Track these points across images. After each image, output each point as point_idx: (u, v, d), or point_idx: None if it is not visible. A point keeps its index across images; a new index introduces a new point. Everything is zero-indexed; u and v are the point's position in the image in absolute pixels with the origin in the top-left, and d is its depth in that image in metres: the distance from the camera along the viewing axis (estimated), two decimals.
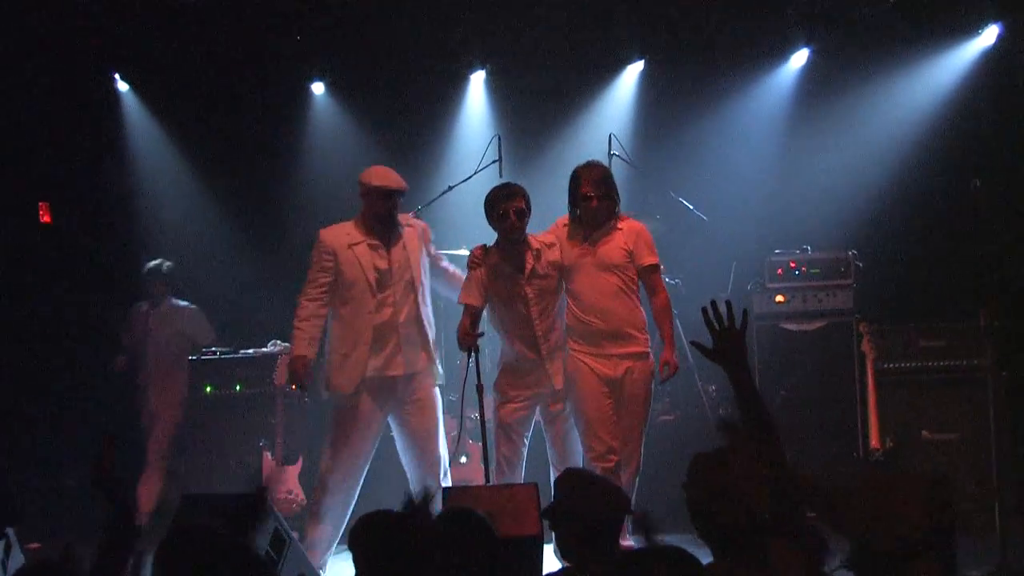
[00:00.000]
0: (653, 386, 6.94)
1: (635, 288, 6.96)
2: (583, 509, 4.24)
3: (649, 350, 6.87)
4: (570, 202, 7.01)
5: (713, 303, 4.04)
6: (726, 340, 4.04)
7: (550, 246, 6.99)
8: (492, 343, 7.80)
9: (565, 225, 7.06)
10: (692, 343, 4.45)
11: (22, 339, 9.66)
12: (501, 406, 7.06)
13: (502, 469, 6.93)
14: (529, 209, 6.92)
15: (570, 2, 9.36)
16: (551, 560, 5.98)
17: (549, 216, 7.27)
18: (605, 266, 6.88)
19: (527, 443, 7.10)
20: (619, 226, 6.96)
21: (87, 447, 8.63)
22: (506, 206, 6.84)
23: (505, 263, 6.94)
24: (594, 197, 6.88)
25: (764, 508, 3.56)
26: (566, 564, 4.31)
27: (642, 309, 6.99)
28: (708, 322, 4.04)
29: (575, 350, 6.96)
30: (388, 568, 3.24)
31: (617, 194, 6.99)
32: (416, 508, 3.32)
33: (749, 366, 4.02)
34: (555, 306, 7.03)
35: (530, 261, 6.93)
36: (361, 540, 3.67)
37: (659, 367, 6.81)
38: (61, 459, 9.09)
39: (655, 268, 6.97)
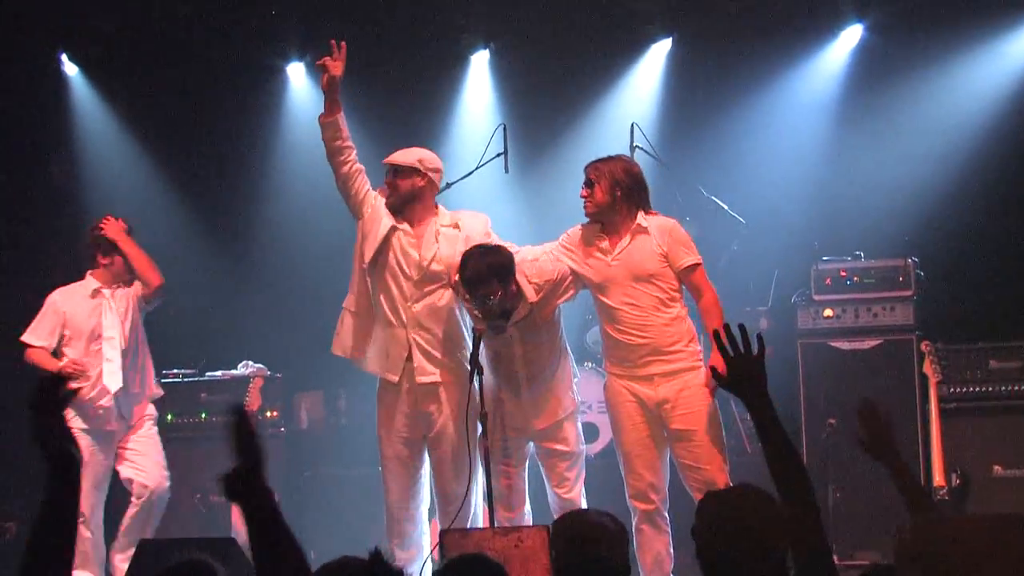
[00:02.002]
0: (715, 400, 6.90)
1: (677, 295, 6.94)
2: (583, 557, 4.27)
3: (701, 362, 6.85)
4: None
5: (726, 327, 4.05)
6: (742, 368, 4.06)
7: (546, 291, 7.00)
8: None
9: (580, 239, 7.05)
10: (709, 368, 4.47)
11: None
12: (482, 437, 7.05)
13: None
14: (505, 290, 6.70)
15: None
16: None
17: (561, 217, 7.29)
18: (639, 276, 6.89)
19: (524, 476, 7.11)
20: (646, 226, 6.96)
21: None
22: (482, 291, 6.68)
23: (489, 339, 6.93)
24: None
25: (783, 553, 3.58)
26: None
27: (688, 319, 6.99)
28: (721, 349, 4.05)
29: (613, 373, 6.99)
30: None
31: (629, 188, 6.97)
32: (380, 561, 3.30)
33: (770, 397, 4.03)
34: (545, 339, 7.05)
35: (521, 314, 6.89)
36: None
37: (707, 374, 6.77)
38: None
39: (696, 267, 6.95)
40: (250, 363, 8.97)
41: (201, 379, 9.29)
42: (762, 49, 9.58)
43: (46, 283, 9.87)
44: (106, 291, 8.06)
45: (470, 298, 6.68)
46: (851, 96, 9.61)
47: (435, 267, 6.96)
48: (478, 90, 10.09)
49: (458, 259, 6.76)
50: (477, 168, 8.09)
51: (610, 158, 7.03)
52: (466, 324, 7.05)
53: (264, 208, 9.79)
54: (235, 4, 9.73)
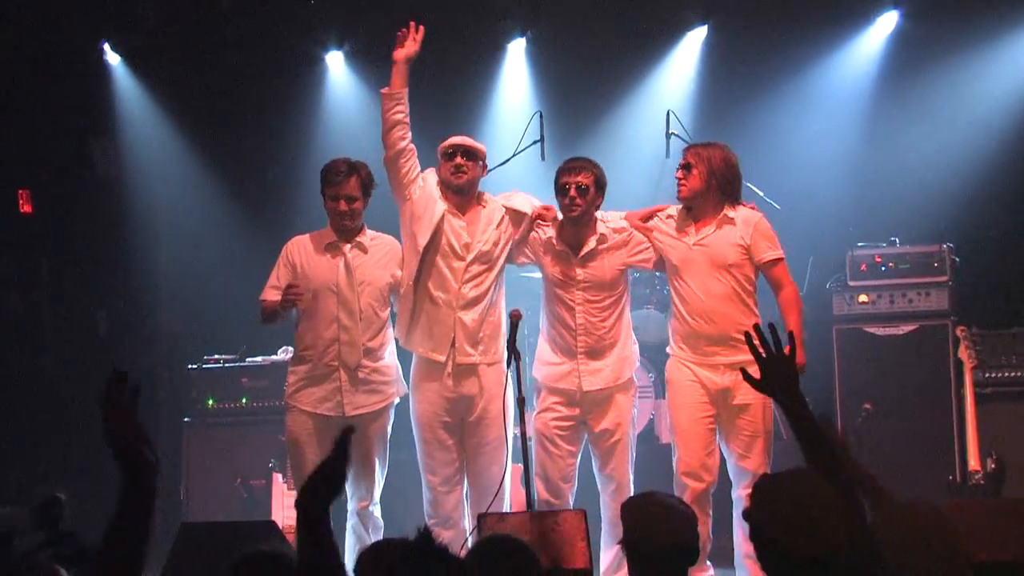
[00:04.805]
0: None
1: (751, 289, 7.00)
2: (654, 539, 4.26)
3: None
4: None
5: (756, 327, 4.04)
6: (774, 369, 4.05)
7: (626, 241, 7.08)
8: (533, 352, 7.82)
9: (670, 216, 7.10)
10: (741, 370, 4.46)
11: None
12: (537, 415, 7.13)
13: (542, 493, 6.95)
14: (600, 188, 6.99)
15: None
16: None
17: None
18: (718, 264, 6.92)
19: (575, 462, 7.12)
20: (733, 217, 6.97)
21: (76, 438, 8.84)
22: (567, 179, 6.96)
23: (560, 240, 7.07)
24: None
25: (839, 538, 3.55)
26: None
27: (756, 312, 7.01)
28: (752, 349, 4.04)
29: (678, 355, 7.05)
30: None
31: (724, 176, 6.98)
32: (427, 539, 3.31)
33: (802, 395, 4.01)
34: (611, 307, 7.07)
35: (589, 244, 7.00)
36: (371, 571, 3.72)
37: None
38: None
39: (777, 262, 7.01)
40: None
41: (242, 365, 9.34)
42: (798, 36, 9.56)
43: (91, 266, 10.05)
44: None
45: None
46: (886, 82, 9.58)
47: (484, 248, 7.06)
48: (515, 78, 10.09)
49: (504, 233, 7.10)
50: (514, 155, 8.10)
51: (711, 144, 7.06)
52: (505, 311, 7.09)
53: (303, 195, 9.80)
54: None
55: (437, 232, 7.01)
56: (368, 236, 7.25)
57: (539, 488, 6.90)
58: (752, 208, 7.10)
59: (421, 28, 7.08)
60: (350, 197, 7.10)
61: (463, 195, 7.10)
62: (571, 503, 7.05)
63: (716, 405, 6.94)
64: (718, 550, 6.85)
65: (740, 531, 6.90)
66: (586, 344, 7.06)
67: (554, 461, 7.04)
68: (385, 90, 7.08)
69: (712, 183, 6.93)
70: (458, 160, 7.05)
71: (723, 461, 7.02)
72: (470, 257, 7.06)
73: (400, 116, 7.04)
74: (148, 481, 3.34)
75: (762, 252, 6.95)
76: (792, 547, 3.54)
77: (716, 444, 6.97)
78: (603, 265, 7.05)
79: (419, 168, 7.13)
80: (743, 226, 6.95)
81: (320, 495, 3.27)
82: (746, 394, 6.82)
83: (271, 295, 7.17)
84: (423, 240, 6.99)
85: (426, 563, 3.17)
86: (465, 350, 7.04)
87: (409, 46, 7.07)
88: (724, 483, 7.03)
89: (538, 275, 7.44)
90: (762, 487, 3.72)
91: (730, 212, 6.95)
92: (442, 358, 7.04)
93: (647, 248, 7.12)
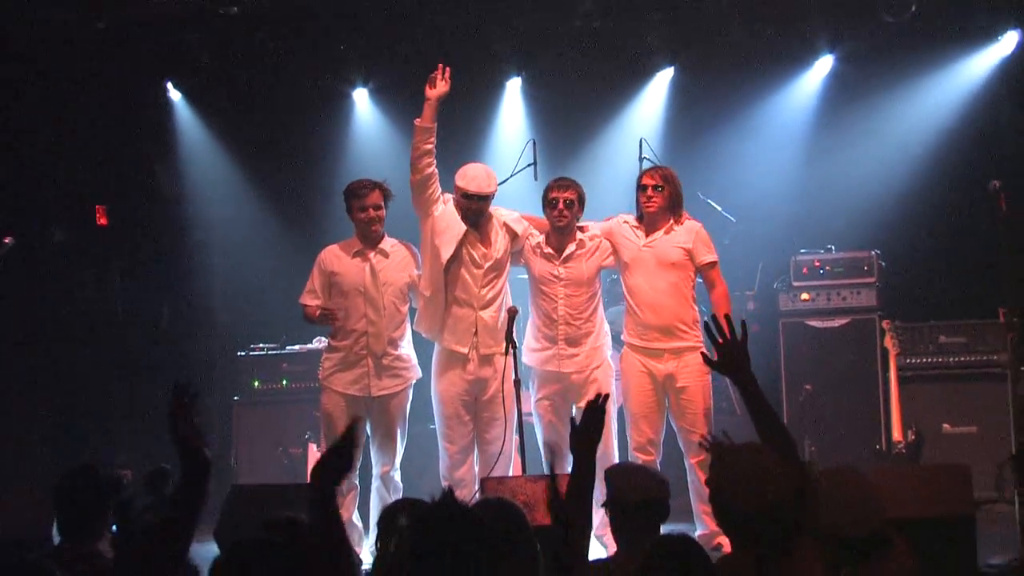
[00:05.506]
0: (710, 378, 7.02)
1: (690, 286, 7.09)
2: (637, 496, 4.29)
3: (701, 344, 6.91)
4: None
5: (714, 318, 4.08)
6: (730, 352, 4.08)
7: (597, 246, 7.17)
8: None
9: (626, 222, 7.19)
10: (702, 355, 4.50)
11: (79, 332, 9.93)
12: (537, 402, 7.25)
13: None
14: (581, 203, 7.11)
15: (603, 12, 9.36)
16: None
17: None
18: (663, 264, 7.00)
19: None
20: (678, 225, 7.06)
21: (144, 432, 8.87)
22: (556, 195, 7.07)
23: (546, 245, 7.16)
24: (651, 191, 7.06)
25: (787, 497, 3.59)
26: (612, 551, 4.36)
27: (695, 307, 7.09)
28: (711, 337, 4.08)
29: (628, 344, 7.14)
30: (426, 552, 3.23)
31: (678, 195, 7.10)
32: (452, 498, 3.34)
33: (754, 375, 4.05)
34: (587, 302, 7.12)
35: (569, 248, 7.11)
36: (394, 524, 3.76)
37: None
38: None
39: (713, 265, 7.09)
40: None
41: (282, 352, 9.36)
42: (749, 76, 9.56)
43: (156, 269, 10.08)
44: None
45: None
46: (824, 114, 9.59)
47: (497, 256, 7.14)
48: (512, 111, 10.08)
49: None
50: (511, 176, 8.09)
51: (669, 171, 7.21)
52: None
53: (333, 210, 9.82)
54: (309, 40, 9.76)
55: (459, 248, 7.06)
56: (388, 243, 7.29)
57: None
58: (692, 219, 7.20)
59: (448, 69, 7.08)
60: (376, 206, 7.15)
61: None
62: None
63: (664, 390, 7.01)
64: (676, 508, 6.89)
65: (694, 492, 6.99)
66: (566, 333, 7.13)
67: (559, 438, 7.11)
68: (418, 122, 7.07)
69: (672, 200, 7.03)
70: (473, 205, 7.07)
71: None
72: (487, 266, 7.13)
73: (430, 147, 7.05)
74: (203, 472, 3.52)
75: (702, 255, 7.04)
76: (744, 504, 3.59)
77: (661, 423, 7.05)
78: (580, 266, 7.13)
79: (440, 189, 7.16)
80: (686, 233, 7.06)
81: (332, 473, 3.35)
82: (687, 378, 6.94)
83: (309, 299, 7.25)
84: (446, 254, 7.04)
85: (451, 517, 3.20)
86: (487, 343, 7.11)
87: (440, 86, 7.06)
88: (678, 456, 7.13)
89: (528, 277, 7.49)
90: (721, 457, 3.76)
91: (675, 223, 7.06)
92: (464, 350, 7.11)
93: (612, 252, 7.21)
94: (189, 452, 3.51)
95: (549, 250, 7.15)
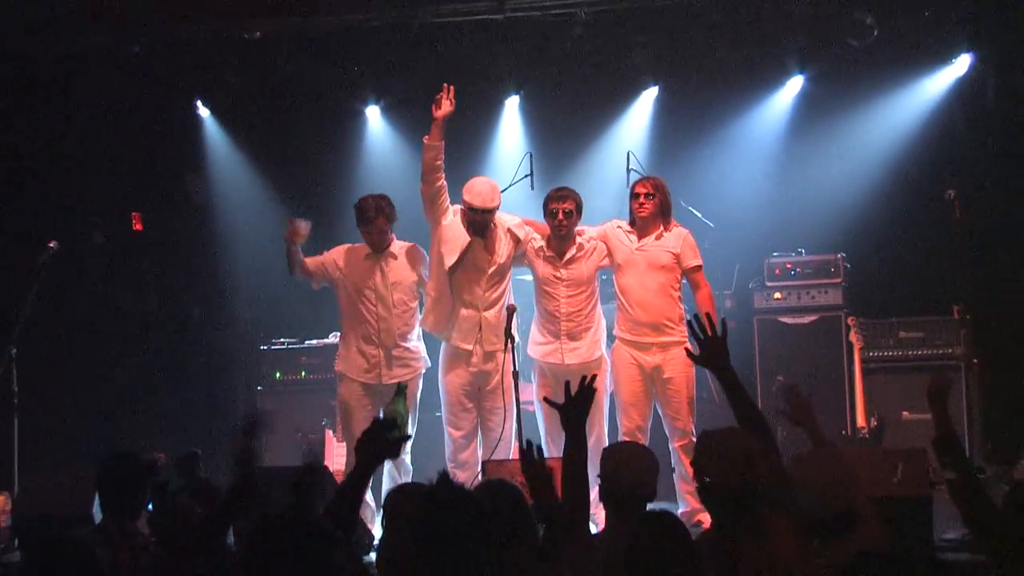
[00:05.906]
0: (694, 370, 7.03)
1: (677, 287, 7.12)
2: (631, 478, 4.30)
3: (686, 339, 6.92)
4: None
5: (696, 316, 4.12)
6: (711, 347, 4.11)
7: (594, 248, 7.19)
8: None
9: (619, 227, 7.22)
10: (685, 350, 4.53)
11: (116, 328, 9.94)
12: (539, 391, 7.26)
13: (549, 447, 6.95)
14: (579, 211, 7.11)
15: (593, 36, 9.36)
16: None
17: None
18: (653, 266, 7.01)
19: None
20: (667, 231, 7.07)
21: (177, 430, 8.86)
22: (556, 205, 7.07)
23: (549, 249, 7.17)
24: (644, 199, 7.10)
25: (762, 475, 3.60)
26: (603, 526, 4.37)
27: (681, 306, 7.11)
28: (694, 333, 4.11)
29: (620, 339, 7.16)
30: (426, 533, 3.23)
31: (668, 203, 7.13)
32: (448, 481, 3.35)
33: (733, 367, 4.08)
34: (586, 300, 7.13)
35: (570, 252, 7.13)
36: (398, 507, 3.77)
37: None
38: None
39: (698, 268, 7.14)
40: (338, 333, 8.99)
41: (301, 346, 9.35)
42: (726, 94, 9.56)
43: (187, 270, 10.08)
44: None
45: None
46: (795, 130, 9.59)
47: (501, 261, 7.16)
48: (511, 126, 10.07)
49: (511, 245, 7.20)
50: (510, 186, 8.10)
51: (659, 180, 7.25)
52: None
53: (345, 218, 9.83)
54: (326, 62, 9.75)
55: (463, 255, 7.08)
56: (396, 246, 7.30)
57: (550, 447, 6.89)
58: (680, 226, 7.22)
59: (452, 89, 7.05)
60: (380, 231, 7.18)
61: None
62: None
63: (652, 380, 7.03)
64: (660, 488, 6.88)
65: (677, 473, 7.00)
66: (567, 328, 7.15)
67: (558, 424, 7.11)
68: (427, 140, 7.07)
69: (662, 207, 7.03)
70: (477, 217, 7.09)
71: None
72: (491, 271, 7.13)
73: (438, 162, 7.06)
74: (248, 487, 3.72)
75: (688, 259, 7.07)
76: (725, 483, 3.60)
77: (649, 411, 7.07)
78: (580, 268, 7.14)
79: (449, 200, 7.15)
80: (675, 239, 7.10)
81: (378, 456, 3.57)
82: (672, 370, 6.98)
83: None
84: (449, 262, 7.09)
85: (447, 497, 3.21)
86: (491, 340, 7.14)
87: (446, 106, 7.05)
88: (665, 441, 7.13)
89: (529, 277, 7.50)
90: (705, 440, 3.79)
91: (664, 229, 7.10)
92: (469, 347, 7.16)
93: (607, 254, 7.19)
94: (243, 467, 3.68)
95: (551, 254, 7.18)
